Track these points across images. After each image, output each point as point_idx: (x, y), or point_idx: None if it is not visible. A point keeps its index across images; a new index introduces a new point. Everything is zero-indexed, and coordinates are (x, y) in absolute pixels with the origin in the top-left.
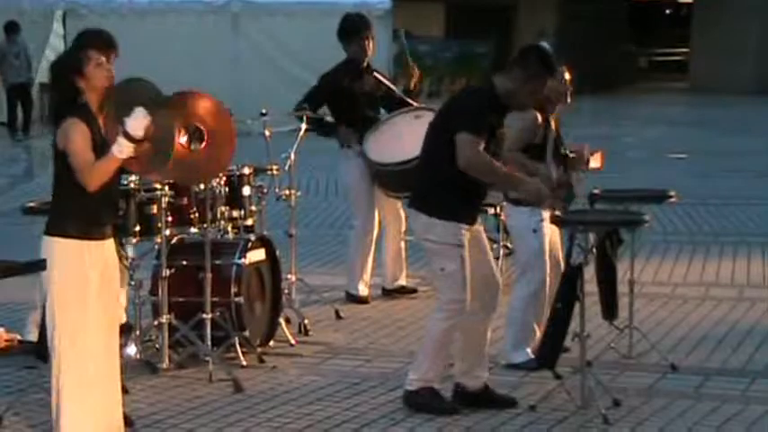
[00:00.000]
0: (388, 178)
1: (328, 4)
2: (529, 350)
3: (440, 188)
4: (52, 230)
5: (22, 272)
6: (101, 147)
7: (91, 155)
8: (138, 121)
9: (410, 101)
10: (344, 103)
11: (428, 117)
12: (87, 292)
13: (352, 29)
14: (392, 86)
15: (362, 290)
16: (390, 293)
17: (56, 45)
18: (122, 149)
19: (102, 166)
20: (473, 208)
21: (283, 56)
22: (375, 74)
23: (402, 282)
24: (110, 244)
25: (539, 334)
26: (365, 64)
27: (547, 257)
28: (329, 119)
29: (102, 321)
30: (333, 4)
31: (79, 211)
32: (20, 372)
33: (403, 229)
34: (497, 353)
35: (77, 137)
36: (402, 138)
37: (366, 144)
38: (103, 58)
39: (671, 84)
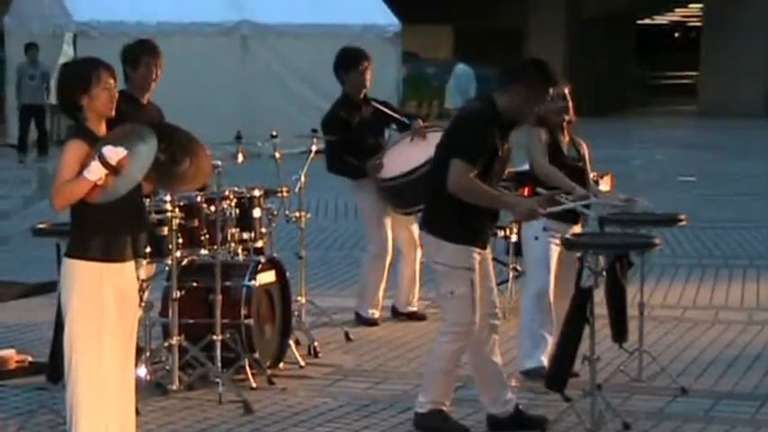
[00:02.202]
0: (393, 194)
1: (337, 26)
2: (543, 358)
3: (450, 211)
4: (72, 252)
5: (33, 293)
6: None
7: (71, 174)
8: (115, 151)
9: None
10: (344, 134)
11: (435, 134)
12: (105, 314)
13: (351, 60)
14: (394, 114)
15: (373, 313)
16: (399, 316)
17: None
18: (93, 172)
19: (69, 186)
20: (484, 231)
21: (293, 78)
22: (374, 104)
23: (414, 308)
24: (129, 266)
25: (550, 341)
26: (362, 96)
27: (551, 266)
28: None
29: (119, 344)
30: (342, 26)
31: (98, 232)
32: (30, 393)
33: (419, 254)
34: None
35: (68, 155)
36: (405, 153)
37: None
38: (112, 82)
39: (680, 107)
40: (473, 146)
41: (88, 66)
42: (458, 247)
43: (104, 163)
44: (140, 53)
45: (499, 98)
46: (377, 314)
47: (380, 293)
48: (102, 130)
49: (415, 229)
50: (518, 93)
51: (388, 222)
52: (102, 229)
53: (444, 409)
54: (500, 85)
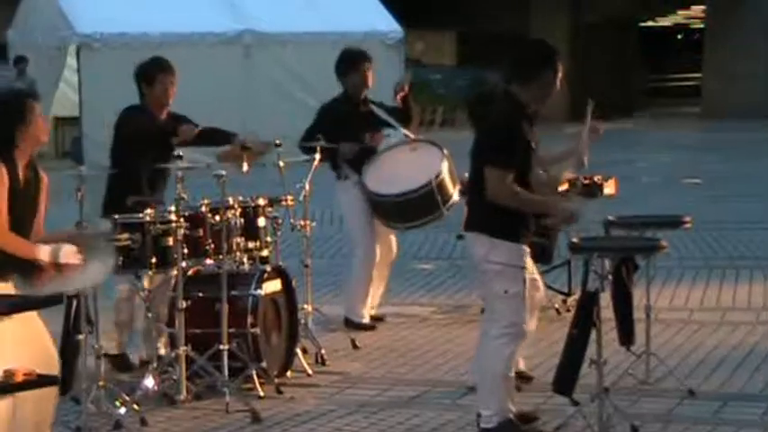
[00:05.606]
0: (388, 209)
1: (339, 33)
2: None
3: (497, 210)
4: None
5: (41, 305)
6: (17, 193)
7: (5, 213)
8: (70, 256)
9: (407, 132)
10: (342, 133)
11: (424, 149)
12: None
13: (352, 61)
14: (389, 119)
15: (366, 317)
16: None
17: (70, 79)
18: (42, 252)
19: (18, 244)
20: (530, 228)
21: (295, 86)
22: (372, 106)
23: (374, 311)
24: (8, 286)
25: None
26: (363, 97)
27: None
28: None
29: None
30: (344, 33)
31: None
32: None
33: (391, 260)
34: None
35: None
36: (400, 169)
37: (365, 175)
38: (39, 109)
39: (684, 108)
40: (506, 150)
41: (17, 98)
42: (512, 245)
43: (54, 256)
44: (156, 71)
45: (519, 91)
46: (367, 318)
47: (370, 298)
48: (28, 152)
49: (393, 237)
50: (541, 84)
51: (373, 226)
52: None
53: (512, 417)
54: (517, 77)
